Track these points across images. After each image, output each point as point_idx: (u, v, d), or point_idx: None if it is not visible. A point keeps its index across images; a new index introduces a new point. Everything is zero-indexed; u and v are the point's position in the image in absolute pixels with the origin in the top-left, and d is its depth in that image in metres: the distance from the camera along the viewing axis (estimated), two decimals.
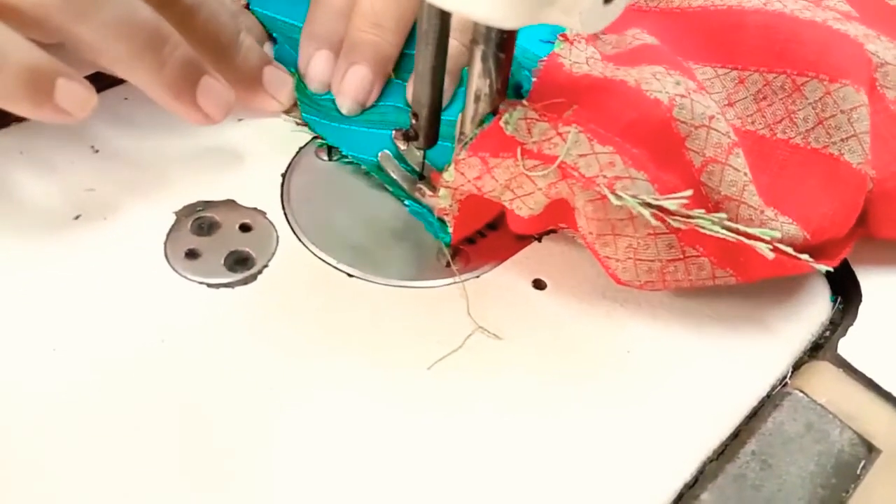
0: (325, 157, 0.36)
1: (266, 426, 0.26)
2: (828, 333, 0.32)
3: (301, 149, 0.36)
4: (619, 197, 0.27)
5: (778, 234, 0.28)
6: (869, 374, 0.30)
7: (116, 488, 0.25)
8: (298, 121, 0.37)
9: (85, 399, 0.26)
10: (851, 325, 0.31)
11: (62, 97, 0.27)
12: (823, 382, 0.30)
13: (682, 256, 0.29)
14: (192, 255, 0.31)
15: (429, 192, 0.33)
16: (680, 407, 0.28)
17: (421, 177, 0.34)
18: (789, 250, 0.28)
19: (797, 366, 0.31)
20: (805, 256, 0.28)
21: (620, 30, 0.36)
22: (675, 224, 0.27)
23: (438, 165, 0.34)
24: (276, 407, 0.27)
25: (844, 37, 0.33)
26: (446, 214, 0.31)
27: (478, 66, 0.29)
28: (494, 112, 0.30)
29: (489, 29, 0.27)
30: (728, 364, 0.30)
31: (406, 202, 0.34)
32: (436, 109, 0.32)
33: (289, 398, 0.27)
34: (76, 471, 0.25)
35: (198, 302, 0.30)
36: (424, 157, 0.34)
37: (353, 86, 0.36)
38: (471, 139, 0.30)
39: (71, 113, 0.28)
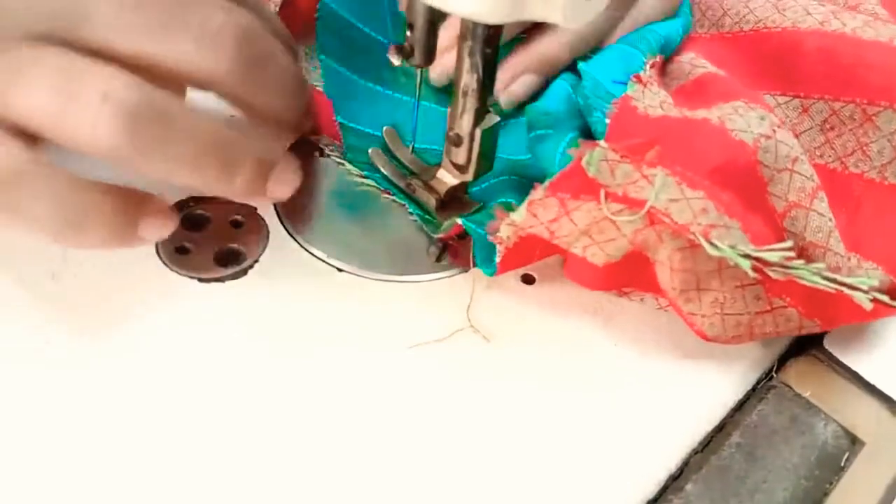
0: (317, 153, 0.36)
1: (257, 420, 0.27)
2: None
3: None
4: (716, 247, 0.25)
5: (876, 283, 0.26)
6: (854, 368, 0.30)
7: (106, 484, 0.25)
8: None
9: (76, 393, 0.27)
10: None
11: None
12: (808, 376, 0.30)
13: (769, 308, 0.28)
14: (182, 250, 0.31)
15: (419, 188, 0.33)
16: (665, 399, 0.29)
17: (412, 172, 0.35)
18: (886, 299, 0.26)
19: (783, 359, 0.31)
20: None
21: (673, 58, 0.35)
22: (775, 276, 0.26)
23: (429, 162, 0.35)
24: (267, 401, 0.27)
25: None
26: (500, 243, 0.30)
27: (465, 61, 0.29)
28: (483, 107, 0.30)
29: (475, 25, 0.27)
30: (714, 357, 0.30)
31: (397, 198, 0.34)
32: (433, 20, 0.29)
33: (279, 392, 0.27)
34: (64, 466, 0.25)
35: (189, 296, 0.30)
36: (413, 151, 0.35)
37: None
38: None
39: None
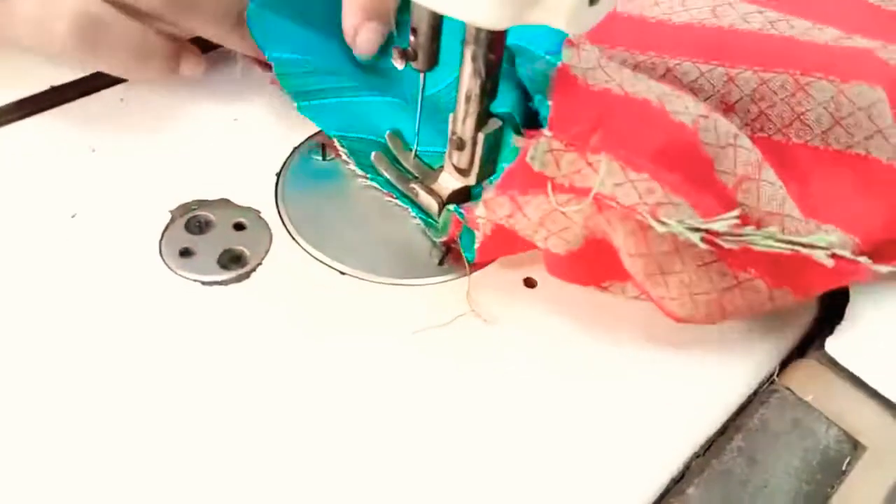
0: (319, 157, 0.36)
1: (260, 423, 0.27)
2: (815, 332, 0.32)
3: (295, 148, 0.37)
4: (663, 223, 0.25)
5: (834, 239, 0.26)
6: (855, 372, 0.30)
7: (110, 485, 0.25)
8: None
9: (80, 395, 0.27)
10: (838, 323, 0.32)
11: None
12: (810, 380, 0.30)
13: (736, 282, 0.28)
14: (186, 253, 0.31)
15: (422, 192, 0.33)
16: (667, 402, 0.29)
17: (414, 176, 0.35)
18: (847, 254, 0.26)
19: (785, 363, 0.31)
20: (864, 259, 0.26)
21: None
22: (727, 245, 0.26)
23: (431, 166, 0.35)
24: (270, 403, 0.27)
25: (850, 48, 0.31)
26: (477, 229, 0.30)
27: (468, 66, 0.29)
28: (485, 111, 0.30)
29: (478, 30, 0.27)
30: (716, 361, 0.30)
31: (400, 202, 0.34)
32: (436, 25, 0.29)
33: (281, 395, 0.28)
34: (69, 466, 0.25)
35: (192, 299, 0.30)
36: (416, 155, 0.35)
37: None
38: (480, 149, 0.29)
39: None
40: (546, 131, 0.28)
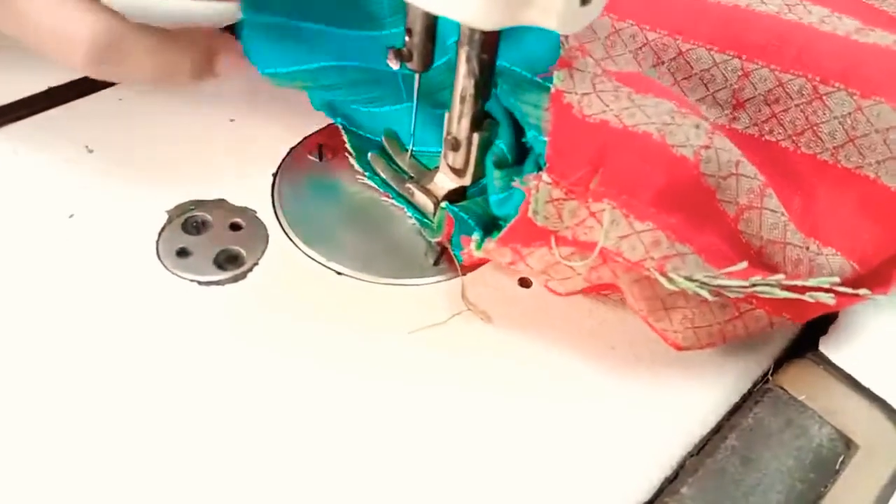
0: (316, 158, 0.37)
1: (256, 423, 0.27)
2: (808, 331, 0.32)
3: (292, 149, 0.37)
4: (671, 280, 0.25)
5: (837, 279, 0.26)
6: (849, 372, 0.30)
7: (107, 485, 0.25)
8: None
9: (77, 395, 0.27)
10: (832, 323, 0.32)
11: None
12: (803, 379, 0.30)
13: (738, 314, 0.28)
14: (183, 253, 0.32)
15: (417, 192, 0.34)
16: (661, 402, 0.29)
17: (410, 176, 0.35)
18: (848, 290, 0.26)
19: (778, 363, 0.31)
20: (864, 291, 0.26)
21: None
22: (733, 296, 0.26)
23: (428, 166, 0.35)
24: (265, 403, 0.27)
25: (872, 46, 0.30)
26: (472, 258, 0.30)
27: (463, 66, 0.29)
28: (480, 111, 0.30)
29: (472, 30, 0.28)
30: (710, 360, 0.30)
31: (396, 202, 0.35)
32: (431, 25, 0.29)
33: (278, 395, 0.28)
34: (66, 466, 0.25)
35: (188, 299, 0.30)
36: (412, 156, 0.35)
37: None
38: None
39: None
40: (545, 175, 0.27)
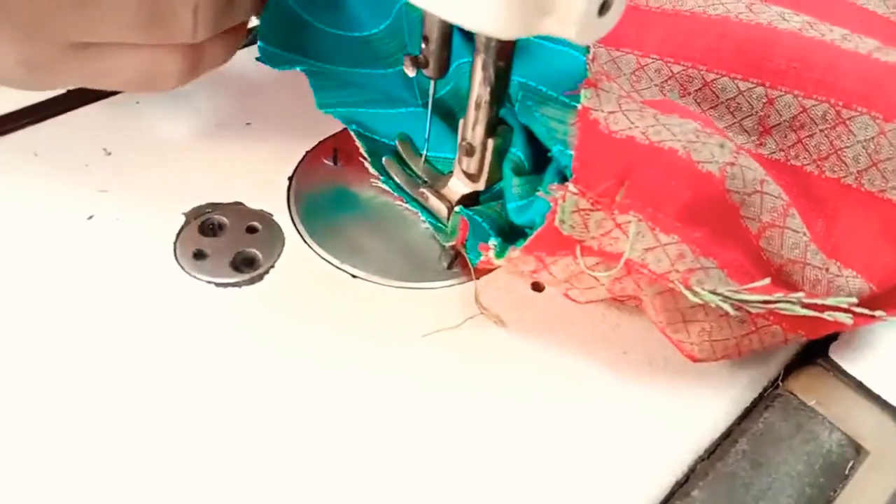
0: (331, 162, 0.37)
1: (270, 424, 0.27)
2: (819, 337, 0.32)
3: (308, 153, 0.37)
4: (696, 293, 0.25)
5: (855, 300, 0.26)
6: (858, 377, 0.30)
7: (124, 484, 0.25)
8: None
9: (95, 395, 0.27)
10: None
11: None
12: (814, 385, 0.31)
13: (755, 329, 0.28)
14: (200, 255, 0.32)
15: (431, 196, 0.34)
16: (672, 406, 0.29)
17: (424, 181, 0.35)
18: (865, 311, 0.26)
19: (789, 368, 0.31)
20: (880, 313, 0.27)
21: (620, 43, 0.34)
22: (755, 311, 0.26)
23: (441, 171, 0.35)
24: (279, 404, 0.28)
25: (892, 65, 0.30)
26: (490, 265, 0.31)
27: (479, 74, 0.29)
28: (494, 117, 0.31)
29: (489, 39, 0.28)
30: (721, 366, 0.30)
31: (411, 206, 0.35)
32: (447, 33, 0.29)
33: (292, 396, 0.28)
34: (85, 465, 0.26)
35: (205, 301, 0.31)
36: (426, 161, 0.35)
37: None
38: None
39: None
40: (571, 185, 0.27)
